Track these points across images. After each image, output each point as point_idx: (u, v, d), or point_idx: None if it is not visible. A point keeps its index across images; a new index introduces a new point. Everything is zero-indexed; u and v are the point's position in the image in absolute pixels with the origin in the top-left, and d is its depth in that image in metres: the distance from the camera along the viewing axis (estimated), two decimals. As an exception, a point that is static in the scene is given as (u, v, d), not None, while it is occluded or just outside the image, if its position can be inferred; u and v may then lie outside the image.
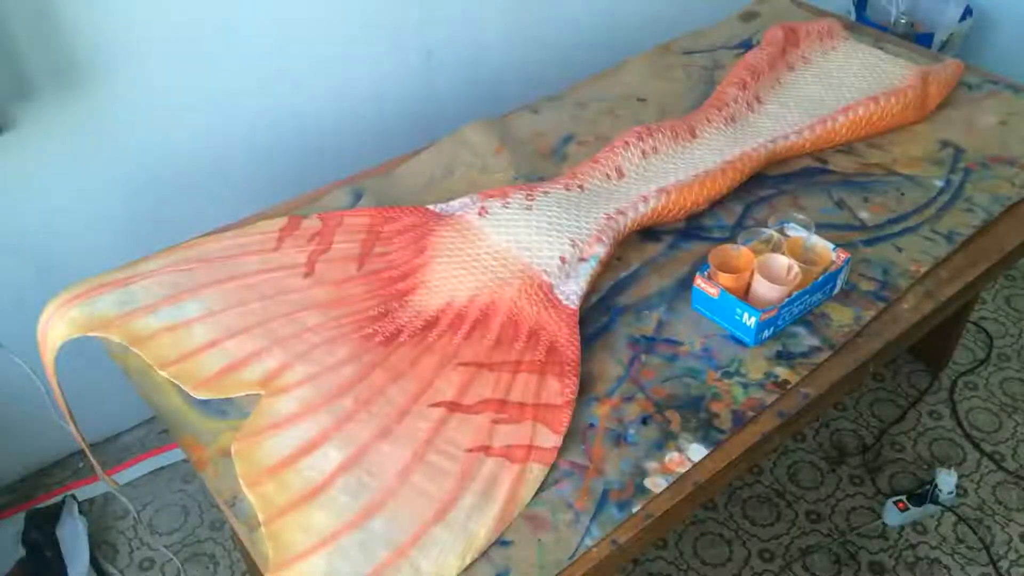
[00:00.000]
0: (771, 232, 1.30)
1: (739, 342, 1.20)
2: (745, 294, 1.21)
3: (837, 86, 1.65)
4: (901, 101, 1.58)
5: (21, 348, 1.49)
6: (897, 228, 1.39)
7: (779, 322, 1.20)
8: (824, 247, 1.26)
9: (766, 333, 1.19)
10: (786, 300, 1.17)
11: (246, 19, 1.57)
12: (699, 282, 1.22)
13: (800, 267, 1.20)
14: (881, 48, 1.82)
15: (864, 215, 1.42)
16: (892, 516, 1.71)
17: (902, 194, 1.46)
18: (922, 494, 1.71)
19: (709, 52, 1.84)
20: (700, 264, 1.26)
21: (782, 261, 1.22)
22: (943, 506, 1.71)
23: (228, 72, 1.61)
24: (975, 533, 1.70)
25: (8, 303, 1.57)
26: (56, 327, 1.15)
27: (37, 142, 1.46)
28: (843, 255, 1.25)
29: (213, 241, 1.31)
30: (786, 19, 1.88)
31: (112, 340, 1.14)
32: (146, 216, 1.64)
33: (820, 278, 1.22)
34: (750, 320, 1.17)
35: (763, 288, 1.19)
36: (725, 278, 1.20)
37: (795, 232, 1.30)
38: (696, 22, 1.96)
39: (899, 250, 1.35)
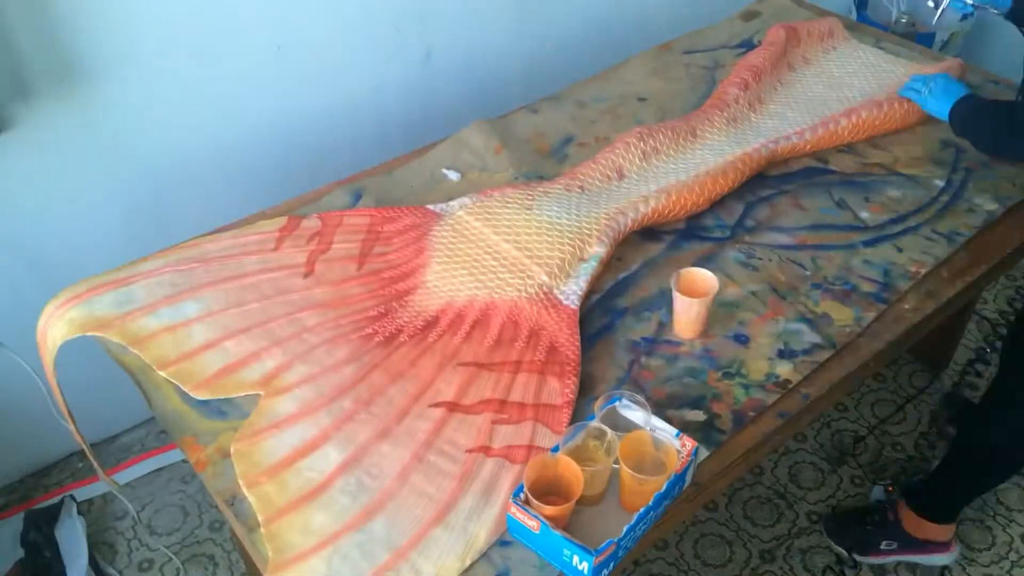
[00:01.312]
0: (597, 425, 0.98)
1: (740, 342, 1.20)
2: (567, 527, 0.93)
3: (838, 86, 1.65)
4: (904, 105, 1.57)
5: (21, 347, 1.48)
6: (898, 228, 1.39)
7: (620, 553, 0.93)
8: (667, 435, 0.98)
9: (605, 572, 0.92)
10: (625, 529, 0.91)
11: (246, 19, 1.57)
12: (513, 510, 0.93)
13: (638, 478, 0.94)
14: (882, 48, 1.82)
15: (865, 215, 1.42)
16: (893, 517, 1.69)
17: (903, 194, 1.46)
18: (923, 495, 1.69)
19: (710, 51, 1.84)
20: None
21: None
22: (944, 507, 1.70)
23: (228, 72, 1.61)
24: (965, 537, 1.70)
25: (8, 303, 1.57)
26: (55, 327, 1.15)
27: (36, 142, 1.46)
28: (690, 443, 0.97)
29: (213, 241, 1.31)
30: (787, 18, 1.88)
31: (111, 340, 1.14)
32: (146, 216, 1.64)
33: (664, 485, 0.94)
34: (582, 565, 0.90)
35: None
36: (550, 508, 0.91)
37: (630, 413, 1.02)
38: (697, 21, 1.96)
39: (900, 250, 1.35)
